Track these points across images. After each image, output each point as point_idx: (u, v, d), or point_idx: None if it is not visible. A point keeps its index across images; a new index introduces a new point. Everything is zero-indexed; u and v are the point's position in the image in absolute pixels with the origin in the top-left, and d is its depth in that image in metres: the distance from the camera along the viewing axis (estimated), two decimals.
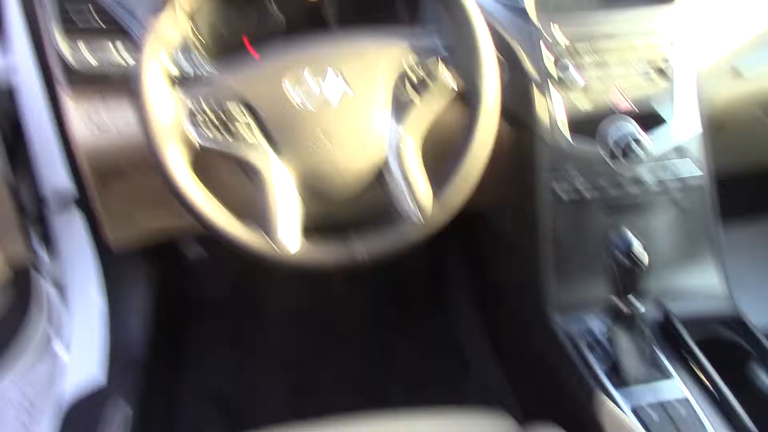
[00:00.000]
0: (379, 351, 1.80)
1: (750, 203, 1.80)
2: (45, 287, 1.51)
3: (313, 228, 1.01)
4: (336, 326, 1.85)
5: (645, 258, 0.99)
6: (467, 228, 1.71)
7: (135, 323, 1.51)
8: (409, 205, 0.97)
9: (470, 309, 1.76)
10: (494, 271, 1.64)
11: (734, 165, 1.45)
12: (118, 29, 1.11)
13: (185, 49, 1.10)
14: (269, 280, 1.86)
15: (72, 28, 1.11)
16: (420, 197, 0.97)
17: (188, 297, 1.87)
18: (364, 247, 0.98)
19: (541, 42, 1.15)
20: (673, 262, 1.20)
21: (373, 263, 0.99)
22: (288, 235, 0.96)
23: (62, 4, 1.10)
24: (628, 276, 1.01)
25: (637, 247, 0.99)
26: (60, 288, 1.54)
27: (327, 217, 1.11)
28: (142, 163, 1.18)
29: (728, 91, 1.25)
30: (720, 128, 1.33)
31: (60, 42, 1.10)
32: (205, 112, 0.93)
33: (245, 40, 1.21)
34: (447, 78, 0.96)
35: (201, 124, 0.93)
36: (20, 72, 1.25)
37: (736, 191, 1.46)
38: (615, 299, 1.03)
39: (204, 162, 0.97)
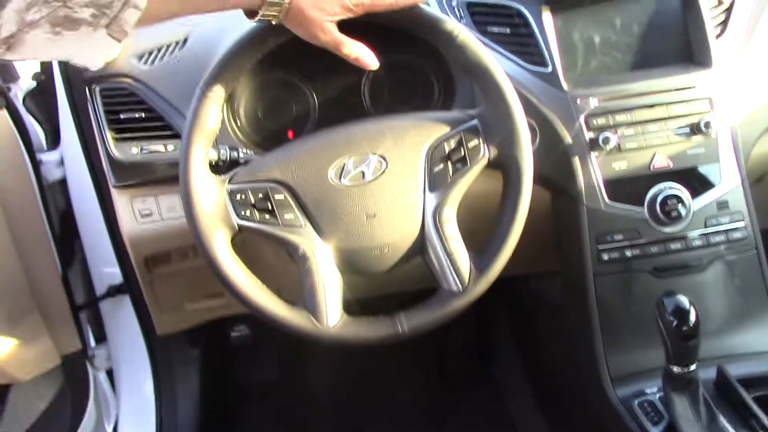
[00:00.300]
0: (429, 425, 1.76)
1: None
2: (96, 375, 1.53)
3: (356, 304, 1.01)
4: (384, 402, 1.83)
5: (697, 322, 0.96)
6: (512, 296, 1.70)
7: (184, 407, 1.51)
8: (449, 276, 0.97)
9: (519, 378, 1.73)
10: (542, 339, 1.61)
11: None
12: (157, 118, 1.15)
13: (224, 135, 1.14)
14: (315, 359, 1.85)
15: (117, 124, 1.16)
16: (460, 267, 0.97)
17: (235, 379, 1.87)
18: (406, 321, 0.97)
19: (573, 106, 1.16)
20: (725, 322, 1.17)
21: (416, 337, 0.98)
22: (331, 313, 0.96)
23: (116, 113, 1.15)
24: (681, 340, 0.98)
25: (690, 311, 0.96)
26: (110, 375, 1.56)
27: (369, 292, 1.11)
28: (185, 247, 1.21)
29: (765, 145, 1.24)
30: (760, 181, 1.31)
31: (110, 140, 1.14)
32: (244, 193, 0.95)
33: (286, 128, 1.24)
34: (480, 147, 0.97)
35: (240, 205, 0.95)
36: (69, 165, 1.30)
37: None
38: (669, 364, 1.00)
39: (246, 243, 0.98)
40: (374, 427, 1.78)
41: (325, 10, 0.92)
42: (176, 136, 1.14)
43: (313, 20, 0.92)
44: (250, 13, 0.92)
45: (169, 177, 1.14)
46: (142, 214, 1.17)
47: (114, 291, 1.43)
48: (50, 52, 0.79)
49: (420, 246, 0.98)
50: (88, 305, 1.47)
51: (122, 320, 1.46)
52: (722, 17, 1.21)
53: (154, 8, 0.82)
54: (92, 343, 1.54)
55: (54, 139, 1.43)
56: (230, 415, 1.79)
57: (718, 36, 1.20)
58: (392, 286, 1.22)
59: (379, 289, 1.24)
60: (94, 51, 0.80)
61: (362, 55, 0.96)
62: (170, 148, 1.15)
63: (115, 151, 1.14)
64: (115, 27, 0.78)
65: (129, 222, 1.18)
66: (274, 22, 0.92)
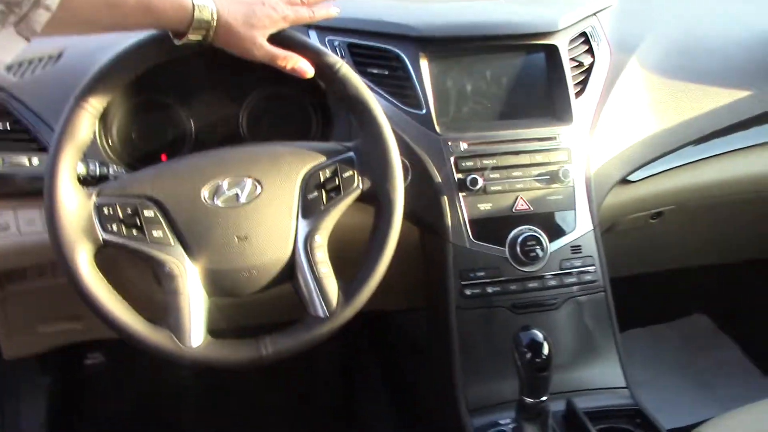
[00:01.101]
0: None
1: (645, 306, 1.89)
2: None
3: (221, 326, 1.00)
4: None
5: (550, 356, 1.01)
6: (379, 332, 1.72)
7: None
8: (316, 301, 0.98)
9: (384, 414, 1.74)
10: (406, 374, 1.63)
11: (627, 265, 1.52)
12: (22, 130, 1.11)
13: (94, 150, 1.11)
14: (173, 392, 1.79)
15: None
16: (328, 293, 0.98)
17: (86, 410, 1.77)
18: (270, 345, 0.97)
19: (444, 148, 1.21)
20: (576, 359, 1.24)
21: (280, 361, 0.98)
22: (194, 333, 0.94)
23: None
24: (534, 372, 1.03)
25: (543, 344, 1.02)
26: None
27: (234, 315, 1.10)
28: (43, 264, 1.16)
29: (617, 196, 1.34)
30: (610, 230, 1.41)
31: None
32: (112, 207, 0.93)
33: (160, 152, 1.22)
34: (354, 178, 0.99)
35: (107, 219, 0.93)
36: None
37: (632, 293, 1.53)
38: (523, 396, 1.05)
39: (108, 260, 0.96)
40: None
41: (254, 26, 0.94)
42: (42, 150, 1.10)
43: (243, 37, 0.93)
44: (178, 34, 0.92)
45: (30, 191, 1.09)
46: None
47: None
48: None
49: (290, 271, 0.98)
50: None
51: None
52: (582, 77, 1.31)
53: (78, 14, 0.82)
54: None
55: None
56: None
57: (578, 94, 1.29)
58: (261, 314, 1.21)
59: (245, 319, 1.23)
60: (1, 48, 0.78)
61: (298, 65, 0.98)
62: (35, 161, 1.10)
63: None
64: (23, 26, 0.76)
65: None
66: (203, 42, 0.92)
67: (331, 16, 1.06)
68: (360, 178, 1.00)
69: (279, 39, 0.98)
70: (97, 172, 1.03)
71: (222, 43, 0.94)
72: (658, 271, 1.79)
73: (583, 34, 1.33)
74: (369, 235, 1.02)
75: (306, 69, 0.99)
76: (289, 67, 0.98)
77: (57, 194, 0.91)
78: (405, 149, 1.16)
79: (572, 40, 1.31)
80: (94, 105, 0.93)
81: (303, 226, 0.98)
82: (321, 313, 0.98)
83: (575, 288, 1.24)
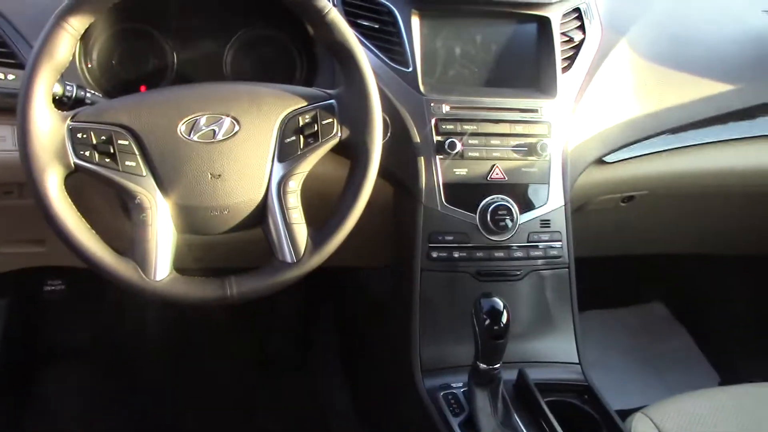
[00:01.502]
0: (240, 407, 1.75)
1: (606, 288, 1.92)
2: None
3: (188, 266, 1.00)
4: (198, 382, 1.79)
5: (508, 324, 1.03)
6: (339, 288, 1.72)
7: None
8: (285, 247, 0.98)
9: (337, 369, 1.76)
10: (363, 332, 1.65)
11: (593, 246, 1.54)
12: (1, 45, 1.08)
13: (73, 73, 1.08)
14: (130, 328, 1.79)
15: None
16: (297, 238, 0.98)
17: (41, 336, 1.76)
18: (236, 286, 0.97)
19: (426, 108, 1.21)
20: (533, 330, 1.25)
21: (241, 305, 0.98)
22: (160, 267, 0.94)
23: None
24: (491, 339, 1.04)
25: (502, 313, 1.03)
26: None
27: (202, 256, 1.10)
28: (9, 184, 1.14)
29: (591, 175, 1.35)
30: (581, 209, 1.43)
31: None
32: (86, 133, 0.91)
33: (140, 81, 1.20)
34: (333, 126, 0.99)
35: (80, 144, 0.91)
36: None
37: (595, 274, 1.56)
38: (477, 361, 1.07)
39: (77, 187, 0.94)
40: (182, 408, 1.74)
41: None
42: (19, 66, 1.07)
43: None
44: None
45: (3, 107, 1.07)
46: None
47: None
48: None
49: (260, 214, 0.98)
50: None
51: None
52: (570, 53, 1.31)
53: None
54: None
55: None
56: (29, 376, 1.69)
57: (565, 69, 1.29)
58: (227, 259, 1.21)
59: (213, 261, 1.23)
60: None
61: None
62: (10, 77, 1.08)
63: None
64: None
65: None
66: None
67: None
68: (339, 127, 0.99)
69: None
70: (74, 95, 1.01)
71: None
72: (623, 255, 1.81)
73: (577, 9, 1.32)
74: (343, 186, 1.02)
75: None
76: None
77: (30, 113, 0.89)
78: (387, 106, 1.16)
79: (565, 15, 1.30)
80: (75, 26, 0.91)
81: (278, 170, 0.98)
82: (289, 259, 0.98)
83: (540, 261, 1.25)
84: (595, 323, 1.98)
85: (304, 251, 0.99)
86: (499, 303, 1.04)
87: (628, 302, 2.17)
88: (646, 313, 2.19)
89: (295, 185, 0.98)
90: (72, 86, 1.01)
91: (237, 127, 0.96)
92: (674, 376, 1.95)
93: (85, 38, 1.09)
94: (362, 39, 1.20)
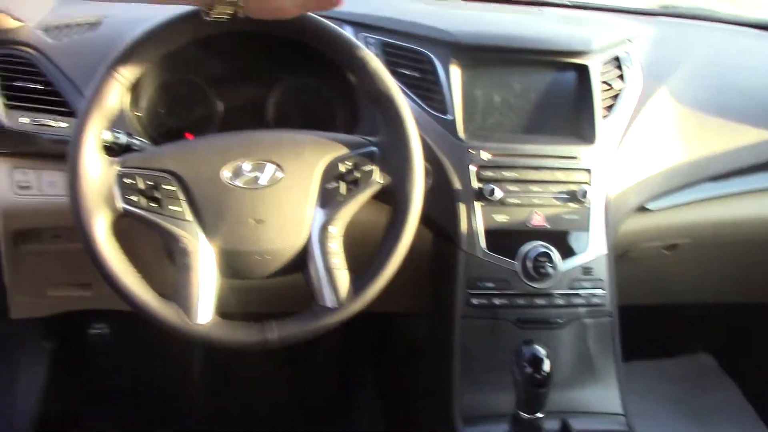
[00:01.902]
0: None
1: (650, 337, 1.88)
2: None
3: (230, 310, 1.01)
4: (238, 425, 1.79)
5: (550, 372, 1.01)
6: (380, 334, 1.72)
7: (24, 399, 1.43)
8: (326, 291, 0.99)
9: (376, 414, 1.74)
10: (403, 378, 1.63)
11: (637, 294, 1.52)
12: (54, 92, 1.12)
13: (122, 121, 1.12)
14: (174, 372, 1.80)
15: (11, 91, 1.12)
16: (338, 283, 0.99)
17: (85, 379, 1.78)
18: (277, 330, 0.98)
19: (466, 155, 1.21)
20: (575, 380, 1.23)
21: (282, 349, 0.99)
22: (202, 310, 0.95)
23: (12, 80, 1.12)
24: (533, 387, 1.03)
25: (544, 360, 1.02)
26: None
27: (244, 301, 1.11)
28: (60, 228, 1.17)
29: (634, 223, 1.34)
30: (624, 256, 1.41)
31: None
32: (133, 178, 0.94)
33: (186, 129, 1.23)
34: (375, 173, 1.00)
35: (127, 189, 0.94)
36: None
37: (639, 323, 1.53)
38: (519, 410, 1.05)
39: (124, 231, 0.97)
40: None
41: None
42: (71, 114, 1.12)
43: None
44: (207, 10, 0.89)
45: (55, 153, 1.10)
46: (20, 185, 1.13)
47: None
48: None
49: (302, 258, 0.99)
50: None
51: None
52: (610, 101, 1.31)
53: None
54: None
55: None
56: (72, 416, 1.70)
57: (605, 117, 1.29)
58: (269, 303, 1.22)
59: (255, 305, 1.24)
60: (30, 3, 0.78)
61: None
62: (63, 124, 1.12)
63: (3, 117, 1.11)
64: None
65: (5, 191, 1.13)
66: (234, 17, 0.88)
67: None
68: (380, 174, 1.01)
69: (311, 28, 0.98)
70: (123, 142, 1.04)
71: (252, 11, 0.90)
72: (668, 303, 1.78)
73: (616, 58, 1.33)
74: (384, 232, 1.03)
75: None
76: (320, 3, 0.91)
77: (81, 159, 0.92)
78: (427, 153, 1.16)
79: (605, 63, 1.31)
80: (125, 75, 0.94)
81: (319, 215, 0.99)
82: (329, 304, 0.99)
83: (582, 309, 1.24)
84: (639, 374, 1.93)
85: (345, 297, 0.99)
86: (541, 351, 1.03)
87: (674, 353, 2.12)
88: (692, 364, 2.13)
89: (336, 231, 0.99)
90: (121, 133, 1.04)
91: (280, 174, 0.98)
92: (722, 429, 1.89)
93: (134, 88, 1.12)
94: (402, 87, 1.21)
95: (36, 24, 1.16)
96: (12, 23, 1.13)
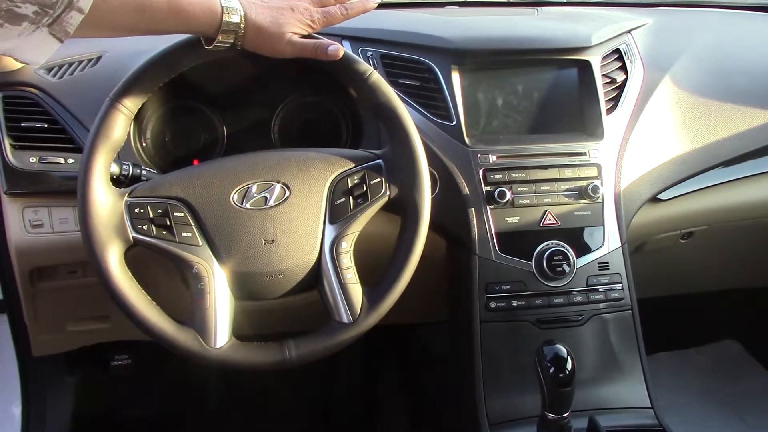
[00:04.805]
0: None
1: (673, 328, 1.86)
2: None
3: (246, 332, 1.01)
4: None
5: (573, 370, 1.01)
6: (400, 346, 1.71)
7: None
8: (341, 307, 0.99)
9: (401, 425, 1.73)
10: (427, 387, 1.63)
11: (657, 286, 1.50)
12: (59, 130, 1.13)
13: (128, 153, 1.13)
14: (196, 399, 1.80)
15: (17, 132, 1.13)
16: (353, 299, 0.99)
17: (110, 411, 1.79)
18: (294, 348, 0.98)
19: (473, 160, 1.21)
20: (600, 376, 1.22)
21: (302, 367, 0.99)
22: (219, 334, 0.95)
23: (17, 120, 1.13)
24: (557, 387, 1.02)
25: (567, 359, 1.01)
26: None
27: (260, 321, 1.11)
28: (74, 263, 1.18)
29: (647, 214, 1.33)
30: (640, 249, 1.40)
31: (7, 147, 1.12)
32: (143, 207, 0.94)
33: (192, 156, 1.24)
34: (382, 185, 1.00)
35: (138, 219, 0.94)
36: None
37: (661, 315, 1.51)
38: (545, 411, 1.04)
39: (137, 260, 0.97)
40: None
41: (283, 26, 0.94)
42: (77, 150, 1.13)
43: (272, 35, 0.94)
44: (208, 39, 0.93)
45: (65, 190, 1.12)
46: (32, 224, 1.14)
47: None
48: None
49: (315, 275, 0.99)
50: None
51: None
52: (614, 94, 1.31)
53: (109, 17, 0.84)
54: None
55: None
56: None
57: (610, 111, 1.29)
58: (284, 323, 1.22)
59: (270, 326, 1.24)
60: (35, 48, 0.80)
61: (329, 49, 0.97)
62: (70, 161, 1.13)
63: (12, 158, 1.12)
64: (57, 27, 0.78)
65: (17, 231, 1.14)
66: (233, 45, 0.93)
67: (369, 8, 1.03)
68: (387, 186, 1.01)
69: None
70: (130, 173, 1.05)
71: (252, 45, 0.95)
72: (688, 293, 1.76)
73: (617, 51, 1.33)
74: (395, 243, 1.02)
75: (337, 51, 0.97)
76: (320, 54, 0.97)
77: (90, 193, 0.93)
78: (434, 160, 1.17)
79: (605, 57, 1.31)
80: (128, 106, 0.95)
81: (330, 231, 0.99)
82: (345, 319, 0.99)
83: (601, 305, 1.23)
84: (665, 365, 1.91)
85: (360, 311, 0.99)
86: (563, 350, 1.02)
87: (699, 342, 2.09)
88: (719, 352, 2.10)
89: (347, 246, 0.99)
90: (128, 165, 1.05)
91: (287, 193, 0.98)
92: (755, 418, 1.86)
93: (138, 118, 1.13)
94: (404, 97, 1.22)
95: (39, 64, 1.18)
96: (14, 64, 1.14)
